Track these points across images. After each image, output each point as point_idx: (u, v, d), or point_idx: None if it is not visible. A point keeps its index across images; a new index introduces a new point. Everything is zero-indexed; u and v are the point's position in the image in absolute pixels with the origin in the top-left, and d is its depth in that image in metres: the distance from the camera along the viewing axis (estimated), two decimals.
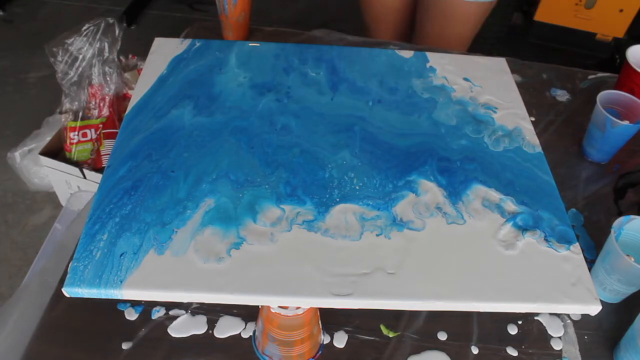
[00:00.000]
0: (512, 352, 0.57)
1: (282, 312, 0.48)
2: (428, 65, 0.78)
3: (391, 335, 0.58)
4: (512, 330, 0.59)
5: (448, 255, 0.54)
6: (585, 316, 0.61)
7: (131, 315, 0.58)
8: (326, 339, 0.57)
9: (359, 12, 1.24)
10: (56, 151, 1.26)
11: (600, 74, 0.95)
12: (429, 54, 0.80)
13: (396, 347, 0.57)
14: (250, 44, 0.78)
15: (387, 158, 0.63)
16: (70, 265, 0.50)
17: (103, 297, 0.49)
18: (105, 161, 1.16)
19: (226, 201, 0.56)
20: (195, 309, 0.59)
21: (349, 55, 0.78)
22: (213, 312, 0.58)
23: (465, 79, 0.76)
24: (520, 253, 0.55)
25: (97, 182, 1.03)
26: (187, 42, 0.78)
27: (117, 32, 1.15)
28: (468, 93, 0.74)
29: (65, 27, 1.13)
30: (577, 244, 0.56)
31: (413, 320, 0.59)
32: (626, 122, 0.72)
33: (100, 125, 1.21)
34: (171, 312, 0.58)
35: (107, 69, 1.18)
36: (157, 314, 0.58)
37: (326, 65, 0.76)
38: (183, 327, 0.57)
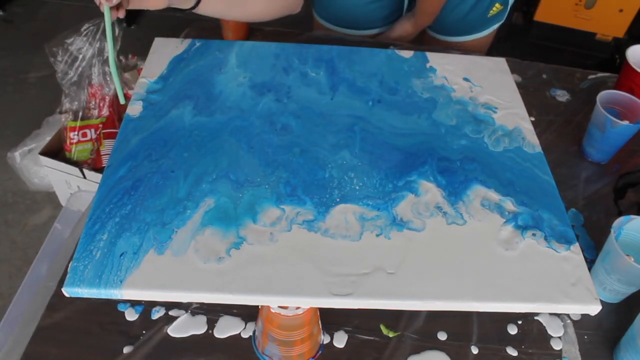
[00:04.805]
0: (512, 352, 0.57)
1: (282, 312, 0.48)
2: (428, 65, 0.78)
3: (391, 335, 0.58)
4: (512, 330, 0.59)
5: (448, 256, 0.54)
6: (585, 316, 0.61)
7: (131, 315, 0.58)
8: (326, 339, 0.57)
9: None
10: (56, 151, 1.26)
11: (600, 74, 0.95)
12: (429, 54, 0.80)
13: (396, 347, 0.57)
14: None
15: (387, 158, 0.63)
16: (70, 265, 0.50)
17: (103, 297, 0.49)
18: (105, 161, 1.16)
19: (226, 201, 0.56)
20: (195, 309, 0.59)
21: (349, 55, 0.78)
22: (213, 312, 0.58)
23: (465, 79, 0.76)
24: (520, 253, 0.55)
25: (97, 182, 1.02)
26: (187, 42, 0.77)
27: (117, 32, 1.14)
28: (468, 93, 0.74)
29: (65, 27, 1.13)
30: (577, 244, 0.56)
31: (413, 320, 0.59)
32: (626, 122, 0.72)
33: (100, 125, 1.21)
34: (171, 312, 0.58)
35: (107, 69, 1.18)
36: (157, 314, 0.58)
37: (326, 65, 0.76)
38: (183, 327, 0.57)
